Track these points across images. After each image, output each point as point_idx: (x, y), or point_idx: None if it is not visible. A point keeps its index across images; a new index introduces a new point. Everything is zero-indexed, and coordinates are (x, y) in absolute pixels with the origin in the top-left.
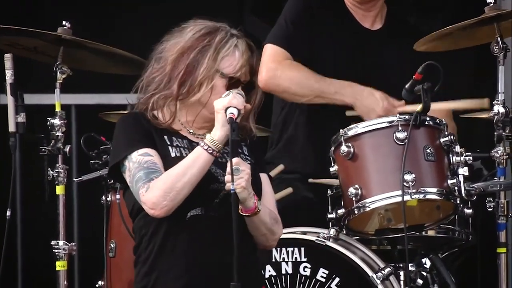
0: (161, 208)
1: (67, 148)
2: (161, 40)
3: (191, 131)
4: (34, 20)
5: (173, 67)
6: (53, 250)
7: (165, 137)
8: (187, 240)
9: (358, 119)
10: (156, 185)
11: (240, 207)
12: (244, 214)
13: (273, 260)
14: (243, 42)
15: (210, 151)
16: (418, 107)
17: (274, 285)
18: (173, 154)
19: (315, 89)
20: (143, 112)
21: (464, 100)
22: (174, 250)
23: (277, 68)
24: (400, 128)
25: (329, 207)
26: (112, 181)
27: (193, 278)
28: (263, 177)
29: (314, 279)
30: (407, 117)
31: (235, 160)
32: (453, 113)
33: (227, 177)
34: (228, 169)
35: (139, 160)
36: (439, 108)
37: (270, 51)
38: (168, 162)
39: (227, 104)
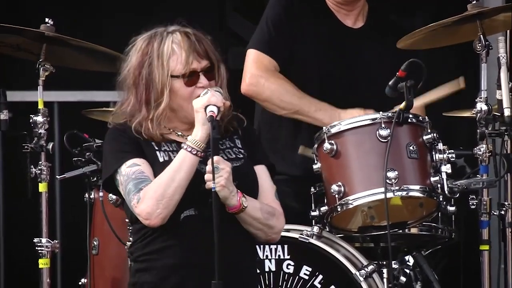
0: (156, 217)
1: (50, 146)
2: (120, 67)
3: (180, 133)
4: (16, 17)
5: (135, 92)
6: (36, 248)
7: (153, 143)
8: (182, 241)
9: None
10: (148, 194)
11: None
12: (230, 212)
13: (256, 258)
14: (178, 35)
15: (194, 152)
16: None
17: (258, 283)
18: (161, 159)
19: (296, 105)
20: (129, 123)
21: (440, 87)
22: (169, 250)
23: (261, 76)
24: (383, 126)
25: (312, 205)
26: (95, 178)
27: (185, 278)
28: (260, 169)
29: (297, 277)
30: (390, 114)
31: (215, 158)
32: (435, 102)
33: (208, 176)
34: (208, 167)
35: (128, 172)
36: (420, 103)
37: (253, 56)
38: (157, 168)
39: (206, 102)
